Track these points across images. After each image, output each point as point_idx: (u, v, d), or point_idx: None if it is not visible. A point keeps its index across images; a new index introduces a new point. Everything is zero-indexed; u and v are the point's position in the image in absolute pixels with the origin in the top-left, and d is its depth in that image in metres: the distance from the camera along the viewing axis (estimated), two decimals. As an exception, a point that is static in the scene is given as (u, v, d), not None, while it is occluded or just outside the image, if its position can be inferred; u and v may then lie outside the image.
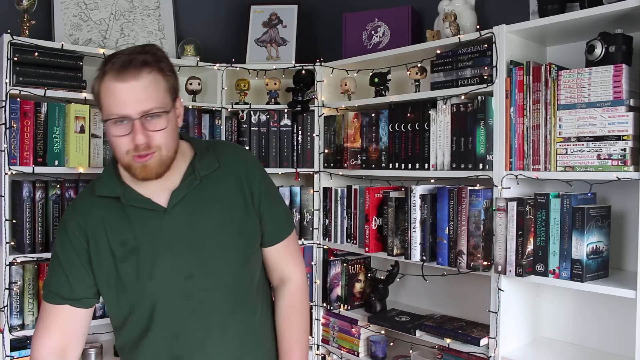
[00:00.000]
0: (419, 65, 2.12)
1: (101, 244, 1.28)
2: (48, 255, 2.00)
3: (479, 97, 1.81)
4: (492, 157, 1.79)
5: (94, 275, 1.30)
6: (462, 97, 1.89)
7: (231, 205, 1.34)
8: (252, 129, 2.46)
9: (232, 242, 1.33)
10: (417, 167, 2.02)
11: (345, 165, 2.31)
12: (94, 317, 2.11)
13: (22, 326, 1.97)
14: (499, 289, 1.74)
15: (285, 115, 2.45)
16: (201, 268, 1.29)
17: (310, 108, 2.42)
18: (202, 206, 1.31)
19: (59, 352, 1.29)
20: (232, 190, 1.35)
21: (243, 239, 1.35)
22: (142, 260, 1.27)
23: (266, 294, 1.46)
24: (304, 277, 1.49)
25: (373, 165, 2.20)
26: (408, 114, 2.05)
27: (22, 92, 1.94)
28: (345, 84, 2.34)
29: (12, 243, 1.98)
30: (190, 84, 2.38)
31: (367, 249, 2.15)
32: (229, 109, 2.47)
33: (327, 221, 2.40)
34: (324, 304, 2.37)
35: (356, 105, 2.30)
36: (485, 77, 1.82)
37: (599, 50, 1.57)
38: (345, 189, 2.32)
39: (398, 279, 2.28)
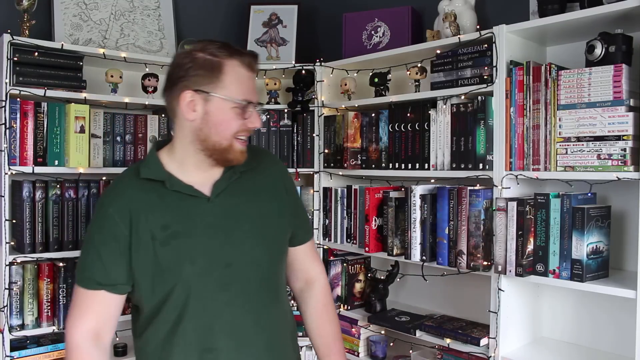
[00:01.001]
0: (419, 65, 2.12)
1: (142, 227, 1.26)
2: (48, 255, 2.00)
3: (479, 97, 1.81)
4: (492, 157, 1.79)
5: (131, 260, 1.26)
6: (462, 97, 1.89)
7: (269, 201, 1.38)
8: (252, 129, 2.46)
9: (271, 234, 1.37)
10: (417, 167, 2.02)
11: (345, 165, 2.31)
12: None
13: (22, 326, 1.97)
14: (499, 289, 1.74)
15: (285, 115, 2.45)
16: (242, 257, 1.30)
17: (310, 108, 2.42)
18: (243, 198, 1.34)
19: (94, 337, 1.27)
20: (270, 187, 1.41)
21: (281, 234, 1.41)
22: (183, 245, 1.26)
23: (285, 292, 1.48)
24: (327, 277, 1.58)
25: (373, 165, 2.20)
26: (408, 114, 2.05)
27: (22, 92, 1.94)
28: (345, 84, 2.34)
29: (12, 243, 1.98)
30: (190, 84, 2.38)
31: (367, 249, 2.15)
32: (229, 109, 2.47)
33: (327, 221, 2.40)
34: (324, 304, 2.37)
35: (356, 105, 2.30)
36: (485, 77, 1.82)
37: (599, 50, 1.57)
38: (345, 189, 2.32)
39: (398, 279, 2.28)
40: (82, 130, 2.04)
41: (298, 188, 2.45)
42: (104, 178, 2.14)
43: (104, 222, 1.27)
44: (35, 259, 1.98)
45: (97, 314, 1.28)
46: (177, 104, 1.25)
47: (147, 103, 2.22)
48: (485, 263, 1.77)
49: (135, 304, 1.35)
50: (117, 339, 2.27)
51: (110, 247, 1.26)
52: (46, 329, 2.01)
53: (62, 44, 2.03)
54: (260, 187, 1.38)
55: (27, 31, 2.00)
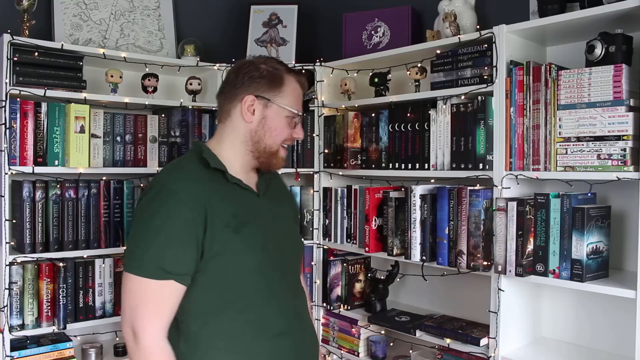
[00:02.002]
0: (419, 65, 2.12)
1: (216, 214, 1.27)
2: (48, 255, 2.00)
3: (479, 97, 1.81)
4: (492, 157, 1.79)
5: (203, 248, 1.24)
6: (462, 97, 1.89)
7: (288, 207, 1.57)
8: (252, 129, 2.46)
9: (297, 233, 1.59)
10: (417, 167, 2.02)
11: (345, 165, 2.31)
12: (95, 317, 2.12)
13: (22, 326, 1.97)
14: (499, 289, 1.74)
15: (285, 115, 2.45)
16: (291, 248, 1.48)
17: (310, 108, 2.42)
18: (277, 200, 1.50)
19: (166, 335, 1.23)
20: (285, 195, 1.60)
21: (300, 236, 1.63)
22: (254, 233, 1.34)
23: None
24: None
25: (373, 165, 2.20)
26: (408, 114, 2.05)
27: (22, 92, 1.94)
28: (345, 84, 2.34)
29: (12, 243, 1.98)
30: (190, 84, 2.38)
31: (367, 249, 2.15)
32: (229, 109, 2.47)
33: (327, 221, 2.40)
34: (324, 304, 2.37)
35: (356, 105, 2.30)
36: (485, 77, 1.82)
37: (599, 50, 1.57)
38: (345, 189, 2.32)
39: (398, 279, 2.28)
40: (82, 130, 2.05)
41: (298, 188, 2.46)
42: (104, 178, 2.14)
43: (174, 208, 1.23)
44: (35, 259, 1.98)
45: (170, 308, 1.23)
46: (236, 106, 1.38)
47: (147, 103, 2.22)
48: (485, 263, 1.78)
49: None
50: (117, 339, 2.27)
51: (182, 234, 1.22)
52: (46, 329, 2.01)
53: (62, 44, 2.03)
54: (281, 194, 1.56)
55: (27, 31, 2.00)
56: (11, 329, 1.94)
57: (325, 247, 2.40)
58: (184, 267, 1.23)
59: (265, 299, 1.33)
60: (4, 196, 1.92)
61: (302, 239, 1.66)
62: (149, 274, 1.20)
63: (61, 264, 2.02)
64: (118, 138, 2.18)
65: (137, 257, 1.22)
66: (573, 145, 1.59)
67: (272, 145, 1.39)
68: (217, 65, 2.43)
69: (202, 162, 1.35)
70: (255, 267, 1.33)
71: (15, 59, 1.93)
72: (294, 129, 1.42)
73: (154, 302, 1.21)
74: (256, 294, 1.32)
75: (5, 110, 1.91)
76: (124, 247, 1.49)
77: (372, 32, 2.39)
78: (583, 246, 1.54)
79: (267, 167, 1.43)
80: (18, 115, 1.95)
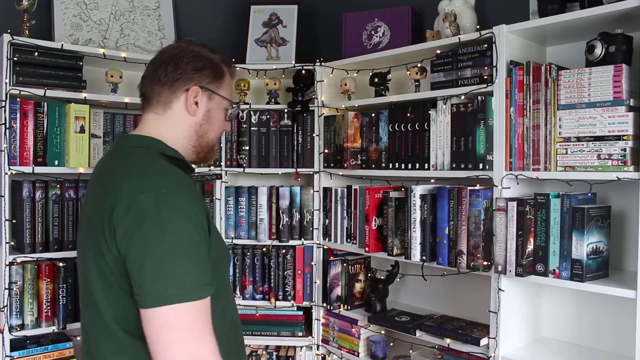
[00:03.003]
0: (419, 65, 2.12)
1: (209, 215, 1.17)
2: (48, 255, 2.00)
3: (479, 97, 1.81)
4: (492, 157, 1.79)
5: (209, 253, 1.13)
6: (462, 97, 1.89)
7: None
8: (252, 129, 2.46)
9: None
10: (417, 167, 2.02)
11: (345, 165, 2.31)
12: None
13: (22, 326, 1.97)
14: (499, 289, 1.74)
15: (285, 115, 2.46)
16: None
17: (310, 108, 2.42)
18: None
19: None
20: None
21: None
22: (216, 231, 1.21)
23: None
24: None
25: (373, 165, 2.20)
26: (408, 114, 2.05)
27: (22, 92, 1.94)
28: (345, 84, 2.34)
29: (12, 243, 1.98)
30: (190, 84, 2.38)
31: (367, 249, 2.15)
32: (229, 109, 2.47)
33: (327, 221, 2.40)
34: (324, 304, 2.38)
35: (356, 105, 2.30)
36: (485, 77, 1.82)
37: (599, 50, 1.57)
38: (345, 189, 2.32)
39: (398, 279, 2.28)
40: (82, 130, 2.05)
41: (298, 188, 2.46)
42: (104, 178, 2.14)
43: (195, 219, 1.08)
44: (35, 259, 1.98)
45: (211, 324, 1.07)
46: (179, 97, 1.23)
47: (147, 103, 2.22)
48: (485, 263, 1.77)
49: None
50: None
51: (204, 245, 1.10)
52: (46, 329, 2.01)
53: (62, 44, 2.03)
54: None
55: (27, 31, 2.01)
56: (11, 329, 1.94)
57: (325, 247, 2.40)
58: (210, 277, 1.11)
59: (229, 295, 1.29)
60: (4, 196, 1.92)
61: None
62: (201, 294, 1.04)
63: (61, 264, 2.02)
64: (118, 138, 2.18)
65: (182, 282, 1.02)
66: (573, 145, 1.59)
67: (213, 139, 1.31)
68: (217, 65, 2.42)
69: (168, 160, 1.20)
70: (227, 265, 1.34)
71: (15, 59, 1.93)
72: (227, 121, 1.34)
73: (207, 320, 1.05)
74: (226, 291, 1.26)
75: (5, 110, 1.91)
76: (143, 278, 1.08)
77: (372, 32, 2.39)
78: (583, 246, 1.54)
79: (204, 161, 1.33)
80: (18, 115, 1.95)
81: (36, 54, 1.98)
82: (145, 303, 1.01)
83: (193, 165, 1.32)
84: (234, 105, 1.34)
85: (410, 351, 2.16)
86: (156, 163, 1.16)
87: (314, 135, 2.42)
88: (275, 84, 2.47)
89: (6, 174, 1.92)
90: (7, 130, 1.91)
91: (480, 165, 1.82)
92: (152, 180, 1.10)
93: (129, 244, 1.03)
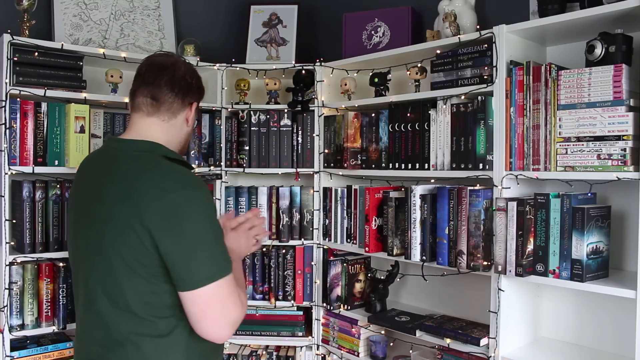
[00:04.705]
0: (419, 65, 2.12)
1: None
2: (48, 255, 2.00)
3: (479, 97, 1.81)
4: (492, 157, 1.79)
5: None
6: (462, 97, 1.89)
7: None
8: (252, 129, 2.46)
9: None
10: (417, 167, 2.02)
11: (345, 165, 2.31)
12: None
13: (22, 326, 1.97)
14: (499, 289, 1.74)
15: (285, 115, 2.45)
16: None
17: (310, 108, 2.42)
18: None
19: None
20: None
21: None
22: None
23: None
24: None
25: (373, 165, 2.20)
26: (408, 114, 2.05)
27: (22, 92, 1.94)
28: (345, 84, 2.34)
29: (12, 243, 1.98)
30: (190, 84, 2.38)
31: (367, 249, 2.15)
32: (229, 109, 2.48)
33: (327, 221, 2.40)
34: (324, 304, 2.38)
35: (356, 105, 2.30)
36: (485, 77, 1.82)
37: (599, 50, 1.57)
38: (345, 189, 2.32)
39: (398, 279, 2.28)
40: (82, 130, 2.05)
41: (298, 188, 2.46)
42: (104, 178, 2.14)
43: (214, 207, 1.31)
44: (35, 259, 1.98)
45: None
46: (184, 110, 1.39)
47: (147, 103, 2.22)
48: (485, 263, 1.77)
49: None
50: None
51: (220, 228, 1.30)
52: (46, 329, 2.01)
53: (62, 44, 2.03)
54: None
55: (27, 31, 2.01)
56: (11, 329, 1.94)
57: (325, 247, 2.40)
58: None
59: None
60: (4, 196, 1.92)
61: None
62: (229, 269, 1.24)
63: (61, 264, 2.02)
64: (118, 138, 2.18)
65: (217, 262, 1.22)
66: (573, 145, 1.59)
67: (187, 142, 1.47)
68: (217, 65, 2.43)
69: (171, 162, 1.31)
70: None
71: (15, 59, 1.93)
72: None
73: (236, 287, 1.25)
74: None
75: (5, 110, 1.91)
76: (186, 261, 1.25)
77: (372, 32, 2.39)
78: (583, 246, 1.54)
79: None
80: (18, 115, 1.95)
81: (36, 54, 1.98)
82: (193, 285, 1.18)
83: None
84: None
85: (410, 351, 2.16)
86: (169, 166, 1.28)
87: (314, 135, 2.42)
88: (275, 84, 2.47)
89: (6, 174, 1.92)
90: (7, 130, 1.91)
91: (480, 165, 1.82)
92: (176, 181, 1.23)
93: (170, 239, 1.18)
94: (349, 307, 2.31)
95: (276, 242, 2.45)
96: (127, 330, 1.23)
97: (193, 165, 2.36)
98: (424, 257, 1.95)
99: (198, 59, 2.41)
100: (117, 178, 1.25)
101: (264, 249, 2.46)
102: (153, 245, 1.18)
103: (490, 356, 1.77)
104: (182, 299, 1.21)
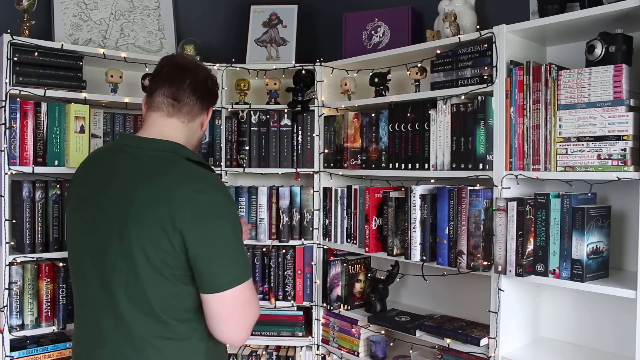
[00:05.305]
0: (419, 65, 2.12)
1: None
2: (48, 255, 2.00)
3: (479, 97, 1.81)
4: (492, 157, 1.79)
5: None
6: (462, 97, 1.89)
7: None
8: (252, 129, 2.46)
9: None
10: (417, 167, 2.02)
11: (345, 165, 2.31)
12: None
13: (22, 326, 1.97)
14: (499, 289, 1.74)
15: (285, 115, 2.45)
16: None
17: (310, 108, 2.42)
18: None
19: None
20: None
21: None
22: None
23: None
24: None
25: (373, 165, 2.20)
26: (408, 114, 2.05)
27: (22, 92, 1.94)
28: (345, 84, 2.34)
29: (12, 243, 1.98)
30: (190, 84, 2.38)
31: (367, 249, 2.15)
32: (229, 109, 2.48)
33: (327, 221, 2.40)
34: (324, 304, 2.37)
35: (356, 105, 2.30)
36: (485, 77, 1.82)
37: (599, 50, 1.57)
38: (345, 189, 2.32)
39: (398, 279, 2.28)
40: (82, 130, 2.05)
41: (298, 188, 2.46)
42: (104, 178, 2.14)
43: (236, 211, 1.34)
44: (35, 259, 1.98)
45: None
46: (201, 114, 1.41)
47: (147, 103, 2.22)
48: (485, 263, 1.77)
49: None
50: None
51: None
52: (46, 329, 2.01)
53: (62, 44, 2.03)
54: None
55: (27, 31, 2.01)
56: (11, 329, 1.94)
57: (325, 247, 2.40)
58: None
59: None
60: (4, 196, 1.92)
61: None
62: (250, 273, 1.27)
63: (61, 264, 2.02)
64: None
65: (242, 265, 1.25)
66: (573, 145, 1.59)
67: (199, 143, 1.53)
68: (217, 65, 2.43)
69: (193, 164, 1.31)
70: None
71: (15, 59, 1.93)
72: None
73: (255, 290, 1.30)
74: None
75: (5, 110, 1.91)
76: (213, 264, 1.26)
77: (372, 32, 2.39)
78: (583, 246, 1.54)
79: None
80: (18, 115, 1.95)
81: (36, 54, 1.98)
82: (219, 287, 1.19)
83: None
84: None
85: (410, 351, 2.16)
86: (195, 168, 1.28)
87: (314, 135, 2.42)
88: (275, 84, 2.47)
89: (6, 174, 1.92)
90: (7, 130, 1.91)
91: (480, 165, 1.82)
92: (206, 184, 1.24)
93: (199, 242, 1.18)
94: (349, 307, 2.31)
95: (276, 242, 2.45)
96: (149, 334, 1.22)
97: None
98: (424, 257, 1.95)
99: (198, 59, 2.41)
100: (143, 179, 1.22)
101: (264, 249, 2.46)
102: (182, 248, 1.18)
103: (490, 356, 1.77)
104: (207, 302, 1.21)
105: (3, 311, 1.92)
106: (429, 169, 1.98)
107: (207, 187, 1.23)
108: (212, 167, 2.43)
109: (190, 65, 1.37)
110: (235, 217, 1.26)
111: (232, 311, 1.22)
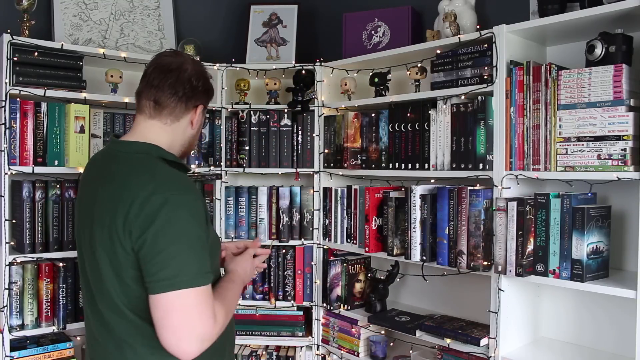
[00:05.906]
0: (419, 65, 2.12)
1: (207, 211, 1.31)
2: (48, 255, 2.00)
3: (479, 97, 1.81)
4: (492, 157, 1.79)
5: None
6: (462, 97, 1.89)
7: None
8: (252, 129, 2.46)
9: None
10: (417, 167, 2.02)
11: (345, 165, 2.31)
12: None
13: (22, 326, 1.97)
14: (499, 289, 1.74)
15: (285, 115, 2.45)
16: None
17: (310, 108, 2.42)
18: None
19: None
20: None
21: None
22: (210, 228, 1.36)
23: None
24: None
25: (373, 165, 2.20)
26: (408, 114, 2.05)
27: (22, 92, 1.94)
28: (345, 84, 2.34)
29: (12, 243, 1.98)
30: (190, 84, 2.38)
31: (367, 249, 2.15)
32: (229, 109, 2.48)
33: (327, 221, 2.40)
34: (324, 304, 2.37)
35: (356, 105, 2.30)
36: (485, 77, 1.82)
37: (599, 50, 1.57)
38: (345, 189, 2.32)
39: (398, 279, 2.28)
40: (82, 130, 2.05)
41: (298, 188, 2.46)
42: (104, 178, 2.14)
43: (199, 216, 1.21)
44: (35, 259, 1.98)
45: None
46: (188, 113, 1.36)
47: (147, 103, 2.22)
48: (485, 263, 1.77)
49: None
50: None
51: (206, 238, 1.23)
52: (46, 329, 2.01)
53: (62, 44, 2.03)
54: None
55: (27, 31, 2.01)
56: (11, 329, 1.94)
57: (325, 247, 2.40)
58: (211, 265, 1.24)
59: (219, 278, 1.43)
60: (4, 196, 1.92)
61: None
62: (205, 281, 1.16)
63: (61, 264, 2.02)
64: (118, 138, 2.18)
65: (187, 271, 1.14)
66: (573, 145, 1.59)
67: (194, 143, 1.46)
68: (217, 65, 2.43)
69: (167, 164, 1.29)
70: (219, 250, 1.44)
71: (15, 59, 1.93)
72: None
73: (210, 303, 1.17)
74: (217, 273, 1.40)
75: (5, 110, 1.91)
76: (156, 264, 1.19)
77: (372, 32, 2.39)
78: (583, 246, 1.54)
79: (183, 157, 1.46)
80: (18, 115, 1.95)
81: (36, 54, 1.98)
82: (155, 289, 1.13)
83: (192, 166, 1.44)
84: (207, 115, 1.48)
85: (410, 351, 2.16)
86: (162, 168, 1.26)
87: (314, 135, 2.42)
88: (275, 84, 2.47)
89: (6, 174, 1.92)
90: (7, 130, 1.91)
91: (480, 165, 1.82)
92: (162, 184, 1.20)
93: (143, 240, 1.14)
94: (349, 307, 2.31)
95: (276, 242, 2.45)
96: (124, 332, 1.22)
97: (192, 166, 2.36)
98: (424, 257, 1.95)
99: (198, 59, 2.41)
100: (110, 180, 1.24)
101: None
102: (132, 248, 1.15)
103: (490, 356, 1.77)
104: (149, 304, 1.15)
105: (3, 311, 1.92)
106: (429, 169, 1.98)
107: (164, 188, 1.17)
108: (212, 166, 2.44)
109: (173, 65, 1.34)
110: (189, 220, 1.17)
111: (165, 318, 1.12)
